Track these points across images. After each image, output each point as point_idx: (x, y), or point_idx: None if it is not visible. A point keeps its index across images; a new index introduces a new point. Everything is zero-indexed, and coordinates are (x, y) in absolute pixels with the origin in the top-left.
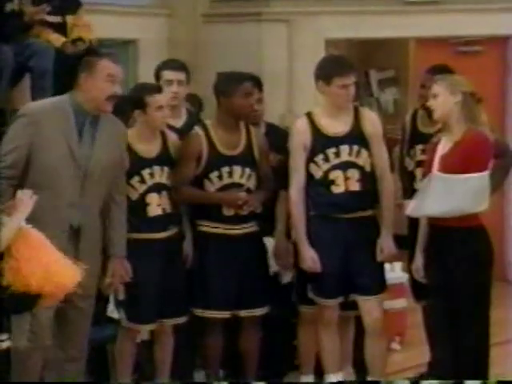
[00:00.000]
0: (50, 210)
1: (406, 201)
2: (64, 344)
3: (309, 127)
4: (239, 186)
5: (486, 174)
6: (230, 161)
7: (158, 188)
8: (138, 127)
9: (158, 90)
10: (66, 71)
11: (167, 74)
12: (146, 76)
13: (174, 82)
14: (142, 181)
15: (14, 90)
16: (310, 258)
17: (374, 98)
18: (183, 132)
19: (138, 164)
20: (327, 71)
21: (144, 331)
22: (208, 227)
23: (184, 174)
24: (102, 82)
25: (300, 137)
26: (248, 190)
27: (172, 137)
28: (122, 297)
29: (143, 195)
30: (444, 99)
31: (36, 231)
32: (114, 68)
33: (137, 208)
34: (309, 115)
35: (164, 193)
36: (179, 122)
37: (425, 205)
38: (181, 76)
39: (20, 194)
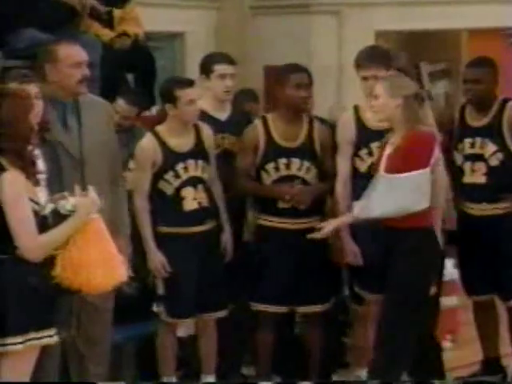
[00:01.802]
0: None
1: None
2: (82, 325)
3: (354, 120)
4: (297, 178)
5: (425, 171)
6: (288, 153)
7: (193, 182)
8: (169, 122)
9: (189, 84)
10: (111, 66)
11: (221, 68)
12: (194, 70)
13: (227, 75)
14: (177, 175)
15: None
16: (352, 252)
17: (425, 91)
18: (227, 125)
19: (171, 159)
20: (357, 62)
21: (188, 326)
22: (265, 221)
23: (241, 166)
24: (68, 70)
25: (345, 130)
26: (305, 183)
27: (206, 129)
28: (161, 291)
29: (178, 190)
30: (384, 102)
31: (100, 223)
32: (76, 54)
33: (172, 203)
34: (355, 108)
35: (200, 186)
36: (224, 115)
37: (370, 206)
38: (233, 69)
39: (79, 191)
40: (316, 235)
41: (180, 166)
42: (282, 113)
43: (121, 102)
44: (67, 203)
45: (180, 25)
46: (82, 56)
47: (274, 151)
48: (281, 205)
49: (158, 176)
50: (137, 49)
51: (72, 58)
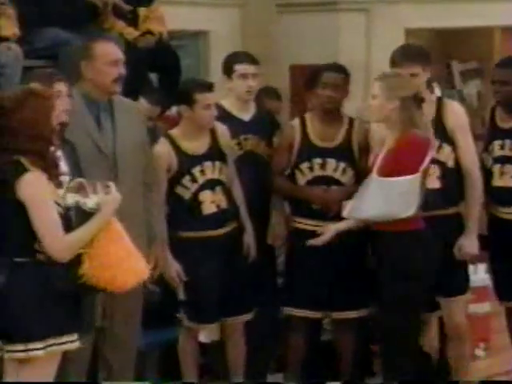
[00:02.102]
0: None
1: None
2: (110, 329)
3: None
4: (332, 179)
5: (414, 176)
6: (324, 153)
7: (210, 184)
8: (184, 125)
9: (209, 88)
10: (135, 65)
11: (242, 68)
12: (218, 69)
13: (248, 75)
14: (194, 179)
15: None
16: None
17: (457, 91)
18: (251, 126)
19: (187, 163)
20: (392, 58)
21: (211, 332)
22: (299, 223)
23: (276, 164)
24: (105, 68)
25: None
26: (340, 185)
27: (221, 128)
28: (181, 296)
29: (196, 194)
30: (380, 103)
31: (117, 223)
32: (113, 52)
33: (190, 207)
34: None
35: (218, 189)
36: (247, 116)
37: (361, 207)
38: (255, 69)
39: (93, 200)
40: (316, 241)
41: (197, 170)
42: (316, 112)
43: (143, 102)
44: (90, 201)
45: (204, 23)
46: (119, 54)
47: (309, 150)
48: (314, 206)
49: (174, 181)
50: (161, 48)
51: (109, 55)
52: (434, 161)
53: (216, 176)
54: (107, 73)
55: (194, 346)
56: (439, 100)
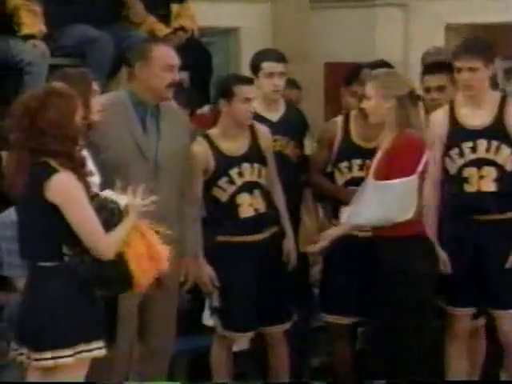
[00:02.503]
0: None
1: None
2: (146, 337)
3: (447, 118)
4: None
5: (411, 178)
6: (365, 153)
7: (248, 187)
8: (222, 123)
9: (248, 81)
10: None
11: (268, 66)
12: (248, 62)
13: (275, 74)
14: (231, 181)
15: (111, 81)
16: (441, 260)
17: (500, 90)
18: (279, 126)
19: (224, 164)
20: (454, 52)
21: (243, 341)
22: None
23: (315, 160)
24: (160, 72)
25: (437, 127)
26: None
27: (263, 130)
28: (216, 303)
29: (233, 196)
30: (376, 103)
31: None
32: (170, 57)
33: (227, 210)
34: (451, 103)
35: (256, 192)
36: (276, 116)
37: (358, 212)
38: (282, 67)
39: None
40: (312, 249)
41: (234, 171)
42: (360, 111)
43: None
44: (123, 201)
45: (234, 19)
46: (175, 59)
47: (349, 150)
48: None
49: (211, 182)
50: (192, 45)
51: (165, 59)
52: (490, 162)
53: (255, 178)
54: (162, 77)
55: (228, 355)
56: (503, 98)
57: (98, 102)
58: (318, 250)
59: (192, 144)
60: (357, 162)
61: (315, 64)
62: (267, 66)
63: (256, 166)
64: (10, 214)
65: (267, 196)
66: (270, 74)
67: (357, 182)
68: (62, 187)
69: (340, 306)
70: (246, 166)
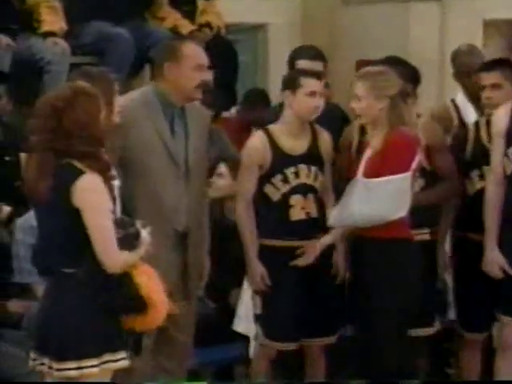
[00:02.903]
0: (153, 215)
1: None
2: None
3: (510, 112)
4: None
5: (406, 175)
6: None
7: (303, 189)
8: (284, 119)
9: (316, 75)
10: None
11: (303, 64)
12: (277, 64)
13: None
14: (285, 180)
15: (133, 81)
16: (496, 264)
17: None
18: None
19: (281, 161)
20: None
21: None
22: None
23: (338, 166)
24: (190, 72)
25: (499, 123)
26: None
27: (325, 134)
28: (258, 310)
29: (286, 196)
30: (368, 104)
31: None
32: (200, 56)
33: (278, 210)
34: None
35: (310, 196)
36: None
37: (345, 213)
38: (318, 66)
39: (144, 232)
40: (299, 262)
41: (290, 171)
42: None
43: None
44: (143, 230)
45: (262, 15)
46: (205, 59)
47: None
48: None
49: (264, 179)
50: (218, 43)
51: (195, 59)
52: None
53: (310, 181)
54: (191, 77)
55: (269, 366)
56: None
57: (118, 102)
58: (304, 264)
59: (222, 142)
60: None
61: (346, 62)
62: (301, 63)
63: (313, 169)
64: (29, 218)
65: (320, 202)
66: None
67: None
68: (89, 190)
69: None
70: (302, 167)
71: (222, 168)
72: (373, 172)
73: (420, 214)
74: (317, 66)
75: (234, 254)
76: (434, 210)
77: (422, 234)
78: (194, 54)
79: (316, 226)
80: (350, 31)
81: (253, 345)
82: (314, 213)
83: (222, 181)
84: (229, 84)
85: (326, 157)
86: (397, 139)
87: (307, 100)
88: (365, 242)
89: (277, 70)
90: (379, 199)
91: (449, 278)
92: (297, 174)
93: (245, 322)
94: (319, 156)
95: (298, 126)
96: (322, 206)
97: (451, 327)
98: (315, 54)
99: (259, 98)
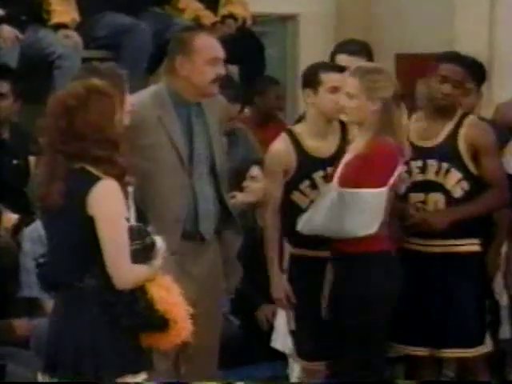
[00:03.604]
0: (168, 223)
1: None
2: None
3: None
4: (435, 184)
5: (381, 190)
6: (424, 153)
7: None
8: (308, 119)
9: (337, 69)
10: None
11: (341, 60)
12: (308, 59)
13: (346, 69)
14: (314, 185)
15: (151, 77)
16: None
17: None
18: None
19: (308, 165)
20: None
21: None
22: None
23: None
24: (203, 66)
25: None
26: (444, 191)
27: (355, 131)
28: (291, 326)
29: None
30: (359, 104)
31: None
32: (214, 48)
33: None
34: None
35: None
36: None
37: (314, 220)
38: (356, 63)
39: (159, 241)
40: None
41: (318, 175)
42: (425, 108)
43: (221, 99)
44: (159, 241)
45: (292, 5)
46: (220, 52)
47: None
48: (406, 223)
49: (291, 185)
50: (243, 36)
51: (209, 52)
52: None
53: None
54: (205, 71)
55: None
56: None
57: (129, 102)
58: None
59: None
60: (417, 164)
61: (385, 55)
62: (340, 58)
63: None
64: (38, 227)
65: None
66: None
67: (419, 186)
68: (106, 197)
69: None
70: (331, 170)
71: (255, 170)
72: (349, 180)
73: (468, 221)
74: (357, 61)
75: (264, 265)
76: (486, 217)
77: (471, 245)
78: (208, 46)
79: None
80: (389, 22)
81: (291, 363)
82: None
83: (256, 184)
84: (254, 79)
85: None
86: (380, 148)
87: (328, 96)
88: (337, 256)
89: (307, 63)
90: (351, 212)
91: (504, 295)
92: (326, 178)
93: (282, 338)
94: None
95: (324, 125)
96: None
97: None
98: (356, 48)
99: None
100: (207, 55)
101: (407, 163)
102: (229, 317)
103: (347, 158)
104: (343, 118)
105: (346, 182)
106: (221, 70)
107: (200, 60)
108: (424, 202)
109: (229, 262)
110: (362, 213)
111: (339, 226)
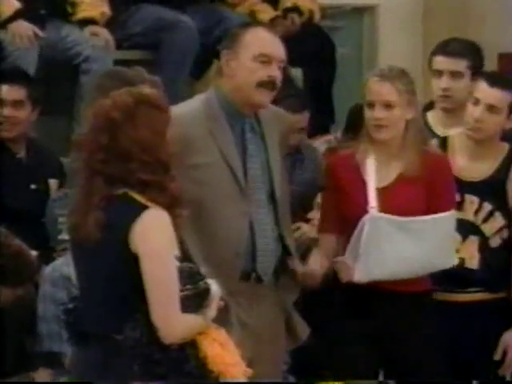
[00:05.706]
0: (219, 263)
1: None
2: None
3: None
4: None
5: (453, 213)
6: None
7: None
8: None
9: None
10: None
11: (437, 63)
12: (388, 57)
13: (443, 73)
14: None
15: (198, 81)
16: None
17: None
18: None
19: None
20: None
21: None
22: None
23: None
24: (249, 62)
25: None
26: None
27: None
28: None
29: None
30: (401, 113)
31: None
32: (267, 44)
33: None
34: None
35: None
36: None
37: (370, 264)
38: (457, 65)
39: (214, 285)
40: None
41: None
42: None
43: (282, 112)
44: (214, 285)
45: None
46: (276, 49)
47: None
48: None
49: None
50: (309, 32)
51: (259, 46)
52: None
53: None
54: (251, 70)
55: None
56: None
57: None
58: None
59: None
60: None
61: (485, 55)
62: (436, 61)
63: None
64: (60, 266)
65: None
66: (438, 73)
67: None
68: (153, 230)
69: None
70: None
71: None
72: (411, 207)
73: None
74: (454, 65)
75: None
76: None
77: None
78: (259, 39)
79: None
80: (489, 18)
81: None
82: None
83: None
84: (323, 85)
85: None
86: (437, 164)
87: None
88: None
89: (387, 59)
90: (425, 243)
91: None
92: None
93: None
94: None
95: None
96: None
97: None
98: (453, 48)
99: None
100: (256, 50)
101: None
102: (287, 376)
103: (385, 180)
104: (380, 136)
105: (407, 210)
106: (275, 71)
107: (246, 55)
108: None
109: (289, 313)
110: (443, 242)
111: (413, 264)
